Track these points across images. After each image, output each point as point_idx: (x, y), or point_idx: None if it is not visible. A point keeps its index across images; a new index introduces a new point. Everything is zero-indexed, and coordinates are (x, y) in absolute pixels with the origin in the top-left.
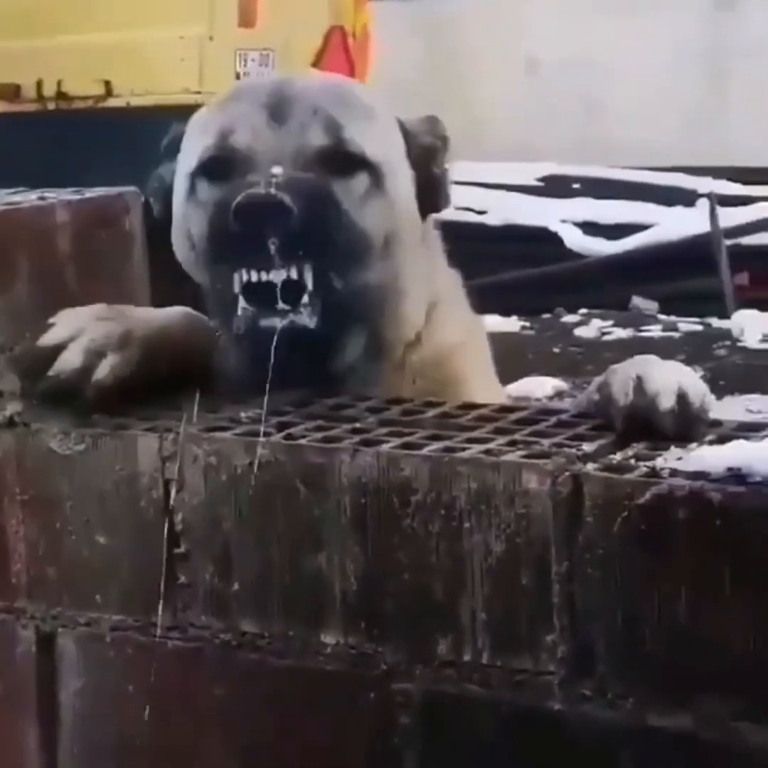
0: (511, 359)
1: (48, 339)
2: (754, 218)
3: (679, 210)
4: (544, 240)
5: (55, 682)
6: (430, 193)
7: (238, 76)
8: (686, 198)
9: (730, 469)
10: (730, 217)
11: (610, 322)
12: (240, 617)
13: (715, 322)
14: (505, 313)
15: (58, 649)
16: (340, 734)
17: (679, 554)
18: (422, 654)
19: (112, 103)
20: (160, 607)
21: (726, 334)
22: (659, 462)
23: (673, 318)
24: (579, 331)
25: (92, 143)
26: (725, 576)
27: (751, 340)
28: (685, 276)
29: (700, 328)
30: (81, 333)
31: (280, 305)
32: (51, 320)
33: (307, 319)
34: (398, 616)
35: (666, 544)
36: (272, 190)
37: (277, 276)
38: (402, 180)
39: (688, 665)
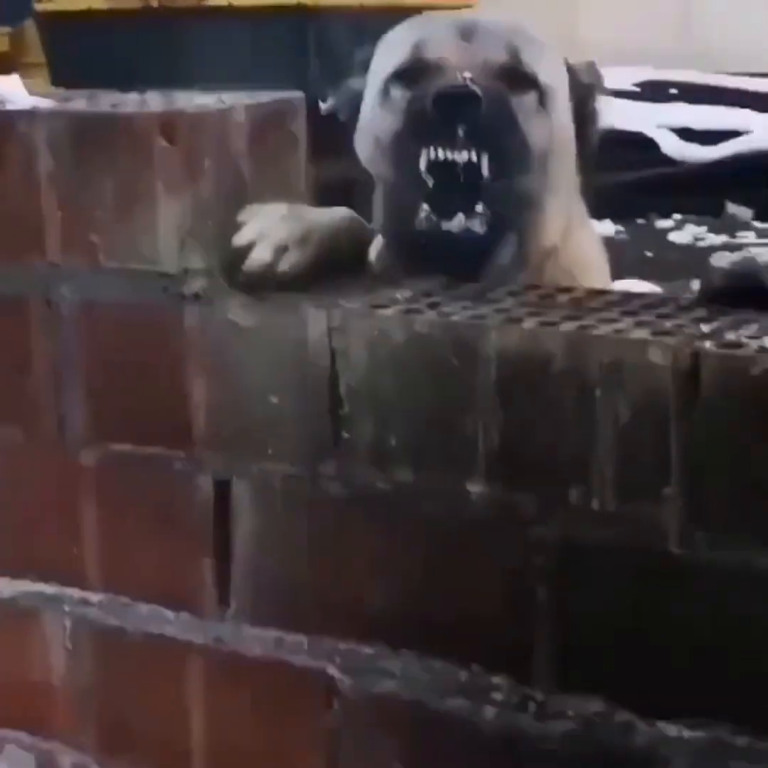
0: None
1: (240, 239)
2: None
3: None
4: (640, 145)
5: (230, 524)
6: (583, 125)
7: None
8: None
9: None
10: None
11: (705, 228)
12: (397, 469)
13: None
14: (599, 217)
15: (234, 495)
16: (484, 570)
17: None
18: (557, 502)
19: (213, 2)
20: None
21: None
22: (767, 340)
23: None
24: (673, 236)
25: (191, 44)
26: None
27: None
28: None
29: None
30: (267, 233)
31: (459, 200)
32: (240, 218)
33: (479, 226)
34: (537, 471)
35: None
36: (468, 82)
37: (460, 157)
38: (563, 106)
39: None
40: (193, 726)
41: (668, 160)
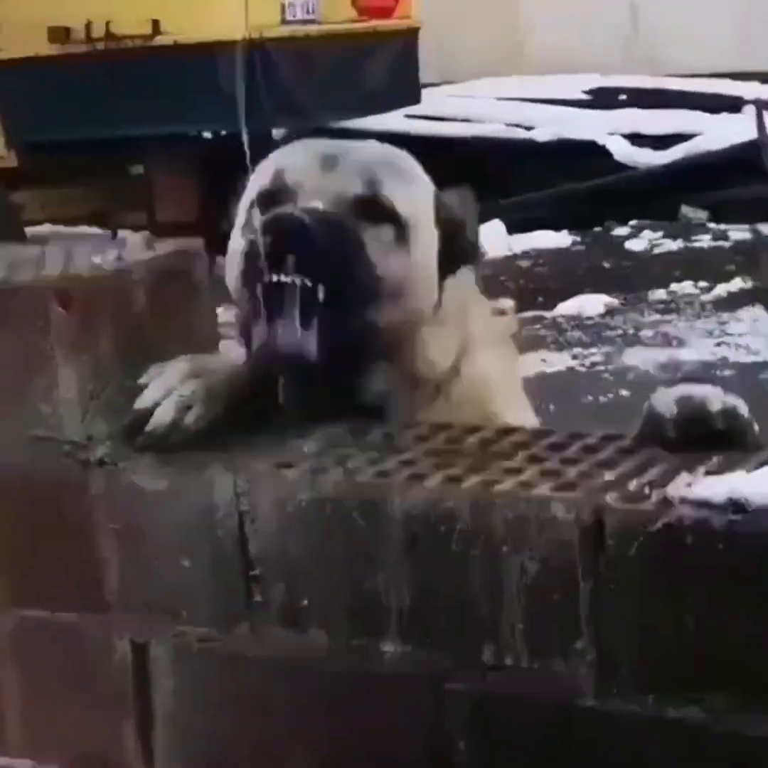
0: (562, 276)
1: (143, 402)
2: None
3: (724, 116)
4: (592, 153)
5: (149, 686)
6: (457, 253)
7: (283, 9)
8: (732, 104)
9: (730, 498)
10: None
11: (660, 234)
12: (310, 629)
13: (766, 228)
14: (556, 227)
15: (152, 658)
16: (402, 727)
17: (688, 573)
18: (470, 660)
19: (159, 41)
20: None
21: None
22: (670, 490)
23: (722, 226)
24: (629, 244)
25: (140, 84)
26: (726, 590)
27: None
28: (733, 183)
29: (749, 235)
30: (171, 393)
31: (295, 316)
32: (142, 380)
33: (312, 346)
34: (447, 627)
35: (676, 564)
36: (296, 212)
37: (292, 281)
38: (425, 240)
39: (696, 665)
40: None
41: (621, 167)
